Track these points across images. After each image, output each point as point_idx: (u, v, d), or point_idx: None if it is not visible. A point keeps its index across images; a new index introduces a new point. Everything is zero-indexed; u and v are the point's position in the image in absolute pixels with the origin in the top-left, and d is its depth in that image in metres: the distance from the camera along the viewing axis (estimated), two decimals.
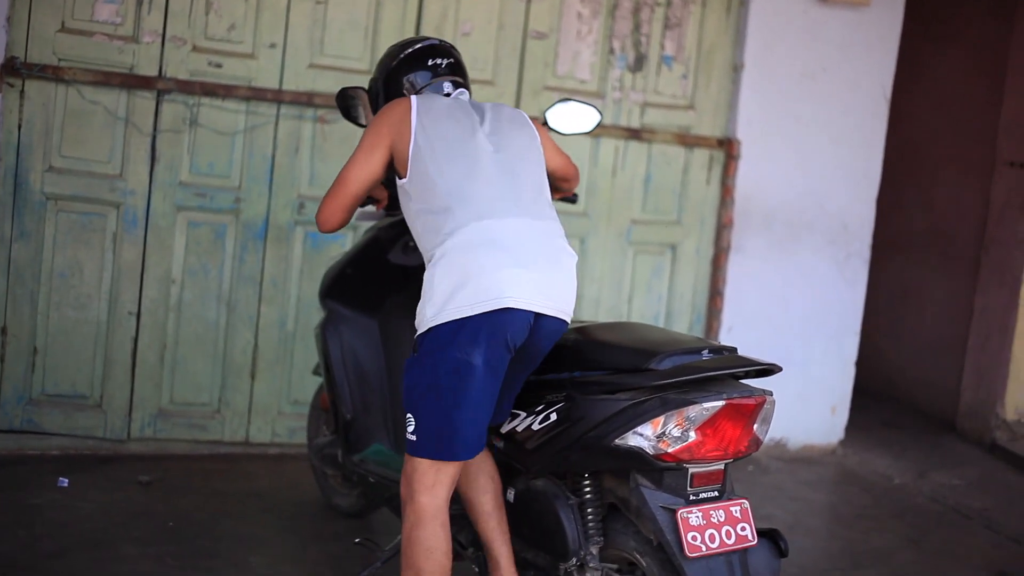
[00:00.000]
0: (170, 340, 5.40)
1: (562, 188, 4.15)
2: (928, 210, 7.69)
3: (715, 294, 6.27)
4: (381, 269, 4.47)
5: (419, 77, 3.91)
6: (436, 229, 3.48)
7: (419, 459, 3.43)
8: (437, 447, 3.42)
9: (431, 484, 3.44)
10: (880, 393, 7.73)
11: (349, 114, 4.15)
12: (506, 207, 3.49)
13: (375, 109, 4.02)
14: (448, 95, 3.86)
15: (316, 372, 5.04)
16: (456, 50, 4.02)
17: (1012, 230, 6.86)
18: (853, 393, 6.64)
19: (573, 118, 4.32)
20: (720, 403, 3.31)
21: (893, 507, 5.88)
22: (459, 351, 3.36)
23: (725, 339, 6.21)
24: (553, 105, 4.31)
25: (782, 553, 3.48)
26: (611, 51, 5.99)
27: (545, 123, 4.26)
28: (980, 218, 7.16)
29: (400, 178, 3.62)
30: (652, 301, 6.22)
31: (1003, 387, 6.85)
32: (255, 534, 4.71)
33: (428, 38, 4.04)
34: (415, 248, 4.33)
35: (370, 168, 3.67)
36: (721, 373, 3.40)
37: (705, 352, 3.47)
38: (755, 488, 5.83)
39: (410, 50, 3.97)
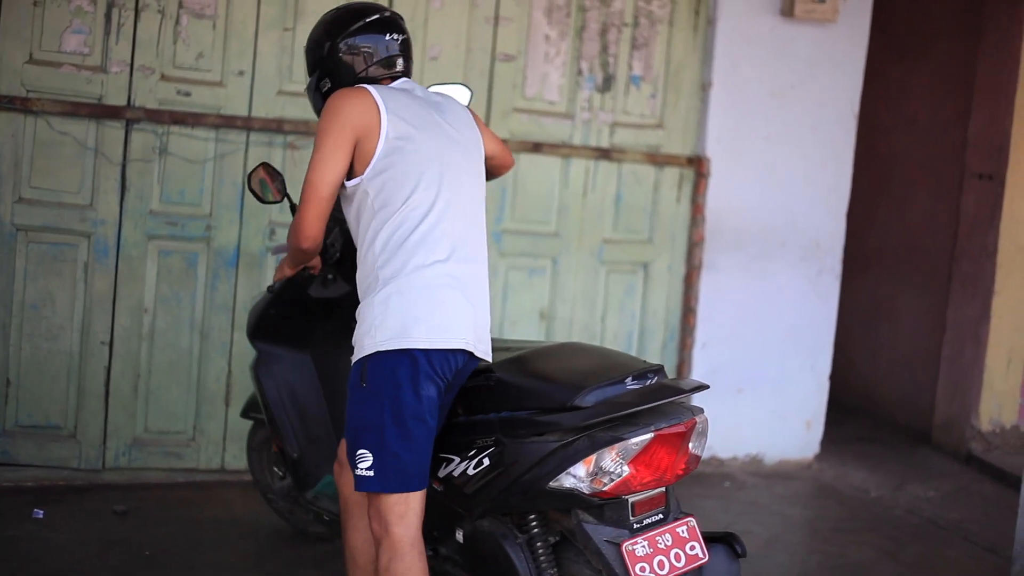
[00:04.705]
0: (143, 369, 5.39)
1: (498, 174, 4.08)
2: (899, 224, 7.73)
3: (688, 312, 6.29)
4: (304, 304, 4.42)
5: (377, 49, 3.69)
6: (393, 251, 3.46)
7: (386, 493, 3.44)
8: (398, 480, 3.43)
9: (402, 514, 3.45)
10: (855, 407, 7.76)
11: (263, 199, 4.15)
12: (467, 251, 3.56)
13: (320, 84, 3.78)
14: (395, 77, 3.71)
15: (244, 415, 5.01)
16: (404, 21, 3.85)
17: (982, 242, 6.90)
18: (828, 407, 6.66)
19: None
20: (649, 435, 3.30)
21: (870, 520, 5.89)
22: (410, 385, 3.39)
23: (699, 356, 6.24)
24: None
25: (739, 555, 3.47)
26: (579, 72, 6.01)
27: None
28: (951, 231, 7.20)
29: (354, 176, 3.52)
30: (625, 320, 6.24)
31: (977, 398, 6.89)
32: (232, 562, 4.70)
33: (378, 6, 3.80)
34: (335, 280, 4.28)
35: (338, 168, 3.49)
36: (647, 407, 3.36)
37: (629, 379, 3.44)
38: (731, 504, 5.85)
39: (369, 19, 3.72)
